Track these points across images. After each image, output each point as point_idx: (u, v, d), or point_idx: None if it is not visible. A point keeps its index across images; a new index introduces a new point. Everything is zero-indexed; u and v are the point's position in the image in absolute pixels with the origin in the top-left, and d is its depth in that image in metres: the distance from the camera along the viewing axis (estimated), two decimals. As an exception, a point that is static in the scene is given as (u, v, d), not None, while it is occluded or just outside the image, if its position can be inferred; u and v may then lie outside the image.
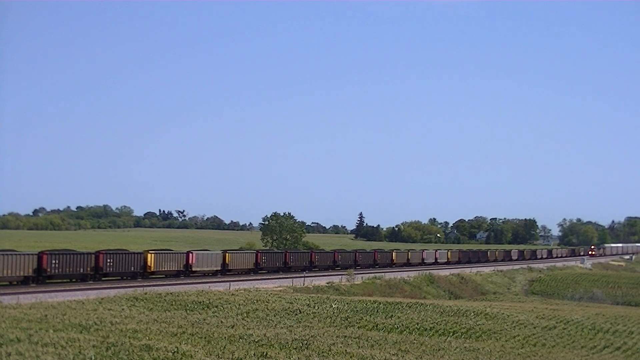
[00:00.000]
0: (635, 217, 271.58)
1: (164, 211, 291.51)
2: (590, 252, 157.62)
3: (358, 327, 36.04)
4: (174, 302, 38.10)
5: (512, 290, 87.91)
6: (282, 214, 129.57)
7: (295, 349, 26.13)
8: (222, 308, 37.77)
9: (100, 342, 22.80)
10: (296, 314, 38.24)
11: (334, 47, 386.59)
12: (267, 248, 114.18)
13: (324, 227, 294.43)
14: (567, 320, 46.80)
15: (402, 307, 46.02)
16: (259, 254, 72.93)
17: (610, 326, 45.79)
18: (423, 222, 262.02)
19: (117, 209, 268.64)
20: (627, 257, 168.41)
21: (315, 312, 39.56)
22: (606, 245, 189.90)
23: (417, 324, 39.41)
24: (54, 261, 50.83)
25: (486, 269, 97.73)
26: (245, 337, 27.61)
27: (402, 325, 38.44)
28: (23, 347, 20.94)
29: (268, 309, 38.88)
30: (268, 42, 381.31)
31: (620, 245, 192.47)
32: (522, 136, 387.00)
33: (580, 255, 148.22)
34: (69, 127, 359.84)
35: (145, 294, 40.28)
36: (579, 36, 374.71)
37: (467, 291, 77.89)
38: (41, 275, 49.89)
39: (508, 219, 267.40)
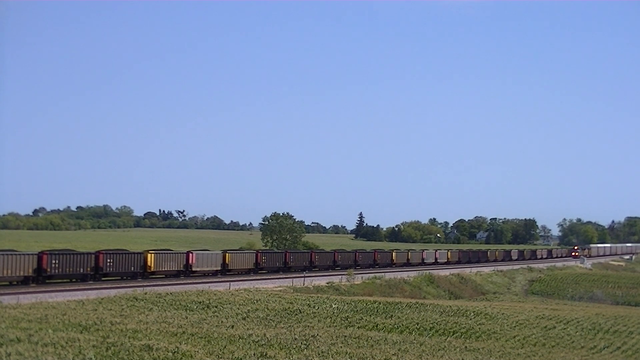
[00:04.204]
0: (635, 217, 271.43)
1: (164, 211, 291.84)
2: (573, 254, 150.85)
3: (358, 327, 36.03)
4: (174, 302, 38.10)
5: (512, 290, 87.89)
6: (281, 214, 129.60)
7: (295, 349, 26.14)
8: (222, 308, 37.77)
9: (100, 342, 22.82)
10: (296, 314, 38.25)
11: (334, 47, 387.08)
12: (267, 248, 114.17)
13: (324, 227, 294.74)
14: (567, 320, 46.78)
15: (402, 307, 46.03)
16: (259, 254, 72.91)
17: (610, 326, 45.75)
18: (423, 222, 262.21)
19: (117, 209, 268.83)
20: (627, 257, 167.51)
21: (315, 312, 39.56)
22: (592, 245, 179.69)
23: (417, 324, 39.40)
24: (54, 261, 50.83)
25: (486, 269, 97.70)
26: (245, 337, 27.63)
27: (402, 325, 38.43)
28: (23, 347, 20.96)
29: (268, 309, 38.88)
30: (268, 42, 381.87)
31: (608, 245, 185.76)
32: (522, 136, 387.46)
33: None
34: (69, 127, 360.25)
35: (145, 294, 40.29)
36: (579, 36, 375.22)
37: (467, 291, 77.87)
38: (41, 275, 49.88)
39: (508, 219, 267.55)
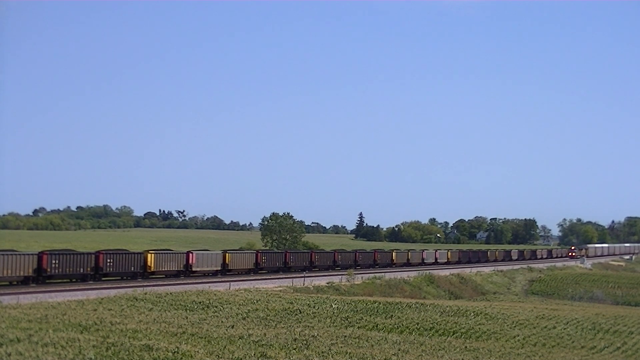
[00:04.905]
0: (635, 217, 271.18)
1: (164, 211, 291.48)
2: (570, 254, 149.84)
3: (358, 327, 36.03)
4: (174, 302, 38.10)
5: (512, 290, 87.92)
6: (281, 214, 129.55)
7: (295, 349, 26.13)
8: (222, 308, 37.77)
9: (100, 342, 22.82)
10: (296, 314, 38.24)
11: (334, 47, 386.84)
12: (267, 248, 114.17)
13: (324, 227, 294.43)
14: (567, 320, 46.78)
15: (402, 307, 46.02)
16: (259, 254, 72.93)
17: (610, 326, 45.75)
18: (423, 222, 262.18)
19: (117, 209, 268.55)
20: (627, 257, 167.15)
21: (315, 312, 39.56)
22: (589, 245, 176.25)
23: (417, 324, 39.41)
24: (54, 261, 50.84)
25: (486, 269, 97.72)
26: (245, 337, 27.62)
27: (402, 325, 38.44)
28: (23, 347, 20.95)
29: (268, 309, 38.88)
30: (268, 42, 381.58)
31: (606, 245, 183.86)
32: (522, 136, 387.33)
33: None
34: (69, 127, 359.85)
35: (145, 294, 40.28)
36: (579, 36, 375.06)
37: (467, 291, 77.88)
38: (41, 275, 49.90)
39: (508, 219, 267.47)
